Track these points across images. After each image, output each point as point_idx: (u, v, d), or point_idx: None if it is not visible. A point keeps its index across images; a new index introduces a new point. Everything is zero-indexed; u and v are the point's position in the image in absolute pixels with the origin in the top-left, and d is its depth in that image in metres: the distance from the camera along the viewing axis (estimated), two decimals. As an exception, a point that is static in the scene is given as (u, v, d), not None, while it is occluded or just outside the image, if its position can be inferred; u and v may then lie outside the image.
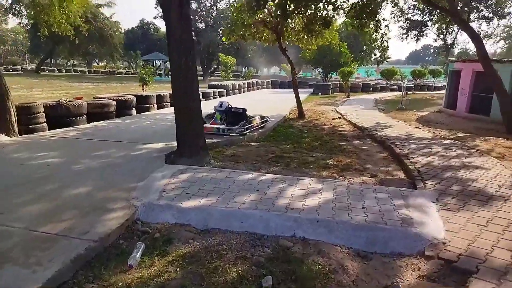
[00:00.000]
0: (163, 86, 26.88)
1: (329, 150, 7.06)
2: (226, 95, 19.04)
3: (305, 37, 10.84)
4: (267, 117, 9.32)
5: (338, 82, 28.73)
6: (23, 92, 18.66)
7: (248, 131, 7.78)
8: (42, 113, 7.65)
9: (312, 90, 25.94)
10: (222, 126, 7.49)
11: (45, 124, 7.69)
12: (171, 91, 14.55)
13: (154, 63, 44.40)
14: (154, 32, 55.39)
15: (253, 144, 7.33)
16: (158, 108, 12.01)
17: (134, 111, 10.73)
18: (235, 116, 8.43)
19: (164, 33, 52.03)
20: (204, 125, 7.27)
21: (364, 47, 37.54)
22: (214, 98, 17.15)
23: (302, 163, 5.87)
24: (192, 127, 5.68)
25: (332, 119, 11.69)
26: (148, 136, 7.30)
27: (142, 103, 11.21)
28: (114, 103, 9.66)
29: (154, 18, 69.40)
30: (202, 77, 45.92)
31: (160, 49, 48.61)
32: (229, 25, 10.88)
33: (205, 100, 15.81)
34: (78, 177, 4.59)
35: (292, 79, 11.71)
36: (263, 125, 8.70)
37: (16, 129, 6.86)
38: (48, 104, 7.88)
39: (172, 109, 6.83)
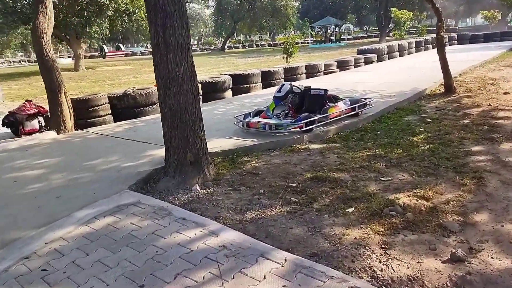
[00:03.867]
0: (312, 56, 24.84)
1: (433, 166, 3.98)
2: (377, 61, 15.58)
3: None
4: (367, 99, 6.39)
5: None
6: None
7: (314, 125, 5.31)
8: (106, 104, 7.22)
9: (514, 43, 18.88)
10: (271, 121, 5.29)
11: (109, 117, 7.25)
12: (315, 62, 12.71)
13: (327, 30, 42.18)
14: (330, -5, 52.58)
15: (311, 148, 4.89)
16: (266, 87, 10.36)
17: (230, 93, 9.44)
18: (312, 102, 6.00)
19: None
20: (249, 120, 5.33)
21: None
22: (357, 67, 14.15)
23: (338, 202, 3.28)
24: (177, 132, 3.91)
25: (504, 93, 7.42)
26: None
27: (242, 83, 9.78)
28: (200, 86, 8.57)
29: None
30: (378, 39, 41.02)
31: (333, 13, 45.87)
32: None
33: (340, 71, 13.14)
34: None
35: (436, 35, 7.93)
36: (355, 112, 5.93)
37: (70, 124, 6.58)
38: (114, 95, 7.40)
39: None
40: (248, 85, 9.85)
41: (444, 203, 3.13)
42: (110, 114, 7.32)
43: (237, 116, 5.80)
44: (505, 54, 15.62)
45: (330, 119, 5.58)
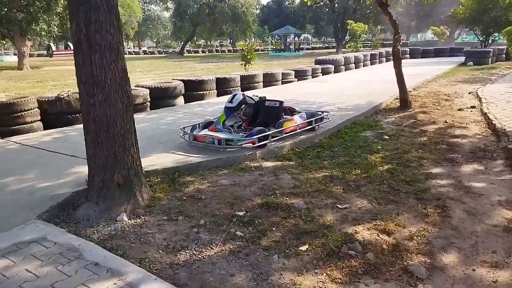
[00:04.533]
0: (271, 64, 24.74)
1: (393, 190, 3.64)
2: (334, 72, 15.58)
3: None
4: (324, 112, 6.05)
5: (504, 47, 21.34)
6: (135, 75, 19.10)
7: (268, 141, 4.85)
8: (35, 109, 6.34)
9: (464, 58, 19.76)
10: (220, 135, 4.75)
11: (37, 123, 6.37)
12: (273, 70, 12.32)
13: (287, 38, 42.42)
14: (290, 4, 53.22)
15: (263, 165, 4.41)
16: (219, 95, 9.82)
17: (181, 99, 8.80)
18: (266, 115, 5.55)
19: (299, 4, 49.42)
20: (196, 133, 4.77)
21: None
22: (314, 77, 14.01)
23: (290, 237, 2.81)
24: (103, 149, 3.26)
25: (458, 109, 7.42)
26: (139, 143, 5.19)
27: (195, 90, 9.17)
28: (147, 91, 7.88)
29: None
30: (335, 50, 41.91)
31: (292, 23, 46.36)
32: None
33: (298, 80, 12.90)
34: None
35: (393, 48, 7.83)
36: (311, 126, 5.54)
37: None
38: (45, 98, 6.54)
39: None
40: (201, 92, 9.26)
41: (408, 239, 2.75)
42: (39, 120, 6.43)
43: (183, 128, 5.22)
44: (455, 69, 16.23)
45: (286, 133, 5.14)
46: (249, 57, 17.38)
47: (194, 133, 4.98)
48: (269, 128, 5.25)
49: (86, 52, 3.11)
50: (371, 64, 19.64)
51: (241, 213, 3.18)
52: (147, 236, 2.85)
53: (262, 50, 45.00)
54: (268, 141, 4.84)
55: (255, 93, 9.07)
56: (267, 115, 5.59)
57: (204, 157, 4.51)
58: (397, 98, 8.82)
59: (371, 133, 5.88)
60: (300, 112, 5.73)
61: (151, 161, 4.35)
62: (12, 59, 37.47)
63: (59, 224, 3.11)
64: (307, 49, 47.13)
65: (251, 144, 4.72)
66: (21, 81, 17.38)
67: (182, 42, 48.55)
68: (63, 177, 3.98)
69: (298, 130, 5.34)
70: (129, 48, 62.29)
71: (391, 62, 22.41)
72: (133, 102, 7.50)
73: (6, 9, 24.32)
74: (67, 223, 3.13)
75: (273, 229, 2.93)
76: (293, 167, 4.38)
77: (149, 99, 7.98)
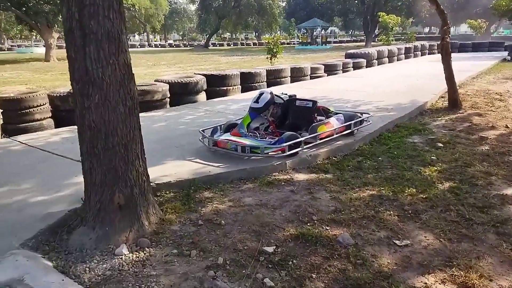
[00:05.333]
0: (297, 58, 23.81)
1: (464, 220, 2.86)
2: (366, 66, 14.58)
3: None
4: (364, 114, 5.24)
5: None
6: (159, 69, 18.68)
7: (300, 148, 4.12)
8: (45, 106, 5.85)
9: (506, 54, 18.25)
10: (244, 141, 4.05)
11: (48, 121, 5.88)
12: (300, 64, 11.50)
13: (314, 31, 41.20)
14: (317, -4, 51.76)
15: (295, 179, 3.70)
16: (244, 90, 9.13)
17: (203, 95, 8.17)
18: (297, 116, 4.82)
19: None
20: (217, 138, 4.13)
21: None
22: (345, 71, 13.09)
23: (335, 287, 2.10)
24: (100, 162, 2.64)
25: (517, 112, 6.46)
26: (152, 147, 4.59)
27: (218, 85, 8.51)
28: (167, 87, 7.28)
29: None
30: (364, 43, 40.37)
31: (319, 15, 45.01)
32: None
33: (327, 75, 12.04)
34: None
35: (441, 40, 6.87)
36: (350, 131, 4.77)
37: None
38: (57, 93, 6.04)
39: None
40: (225, 88, 8.59)
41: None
42: (50, 117, 5.96)
43: (203, 130, 4.57)
44: (498, 65, 14.90)
45: (320, 139, 4.40)
46: (275, 50, 16.60)
47: (214, 137, 4.32)
48: (300, 132, 4.54)
49: (79, 43, 2.47)
50: (405, 58, 18.43)
51: (270, 249, 2.48)
52: (149, 280, 2.21)
53: (288, 44, 43.93)
54: (300, 148, 4.11)
55: (282, 90, 8.37)
56: (298, 116, 4.86)
57: (225, 166, 3.84)
58: (443, 97, 7.92)
59: (419, 139, 5.05)
60: (337, 113, 4.96)
61: (164, 171, 3.71)
62: (42, 50, 38.09)
63: (48, 253, 2.52)
64: (334, 42, 45.75)
65: (280, 152, 4.01)
66: (46, 73, 17.31)
67: (207, 35, 48.09)
68: (63, 189, 3.40)
69: (335, 135, 4.58)
70: (155, 41, 62.57)
71: (428, 56, 21.23)
72: (152, 98, 7.01)
73: (34, 1, 24.47)
74: (58, 252, 2.54)
75: (313, 276, 2.22)
76: (331, 181, 3.65)
77: (168, 95, 7.40)
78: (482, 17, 37.62)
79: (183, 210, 3.05)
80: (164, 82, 7.48)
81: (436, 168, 3.96)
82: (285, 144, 3.91)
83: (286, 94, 5.03)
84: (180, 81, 7.66)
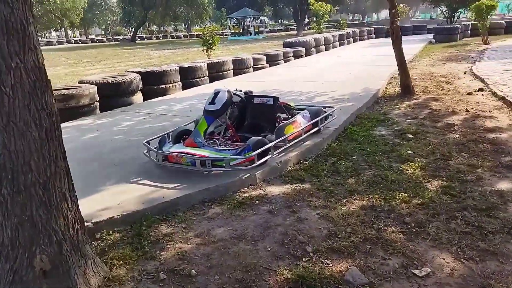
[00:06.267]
0: (232, 49, 23.21)
1: (475, 229, 2.46)
2: (306, 55, 14.37)
3: None
4: (329, 108, 4.79)
5: (469, 23, 21.15)
6: (83, 67, 16.87)
7: (270, 156, 3.51)
8: None
9: (431, 36, 19.25)
10: (204, 153, 3.34)
11: None
12: (241, 56, 10.66)
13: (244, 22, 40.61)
14: (246, -15, 51.13)
15: (269, 193, 3.09)
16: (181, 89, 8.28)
17: (140, 96, 7.19)
18: (257, 115, 4.20)
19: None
20: (167, 151, 3.36)
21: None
22: (286, 61, 12.71)
23: None
24: (8, 214, 1.79)
25: (468, 94, 6.45)
26: (84, 168, 3.66)
27: (155, 83, 7.57)
28: (95, 89, 6.22)
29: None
30: (296, 32, 40.79)
31: (250, 5, 44.55)
32: None
33: (270, 66, 11.55)
34: None
35: (390, 25, 6.67)
36: (317, 128, 4.26)
37: None
38: None
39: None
40: (163, 86, 7.67)
41: None
42: None
43: (147, 142, 3.75)
44: (427, 47, 15.57)
45: (288, 141, 3.82)
46: (211, 42, 15.74)
47: (164, 149, 3.53)
48: (264, 134, 3.94)
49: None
50: (340, 46, 18.65)
51: (266, 308, 1.85)
52: None
53: (220, 35, 42.85)
54: (269, 156, 3.50)
55: (225, 84, 7.72)
56: (258, 116, 4.25)
57: (182, 187, 3.10)
58: (390, 83, 7.82)
59: (386, 131, 4.71)
60: (300, 109, 4.42)
61: (103, 201, 2.89)
62: None
63: None
64: (266, 32, 45.72)
65: (246, 162, 3.36)
66: None
67: (133, 29, 45.31)
68: None
69: (304, 136, 4.04)
70: (75, 37, 57.74)
71: (360, 43, 21.77)
72: (77, 104, 5.92)
73: None
74: None
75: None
76: (312, 193, 3.09)
77: (97, 98, 6.34)
78: (402, 2, 39.82)
79: (135, 258, 2.29)
80: (91, 83, 6.39)
81: (416, 164, 3.59)
82: (254, 153, 3.27)
83: (240, 90, 4.37)
84: (110, 81, 6.62)
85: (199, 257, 2.29)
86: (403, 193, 3.02)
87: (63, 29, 58.91)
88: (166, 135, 3.89)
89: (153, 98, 7.34)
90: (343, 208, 2.82)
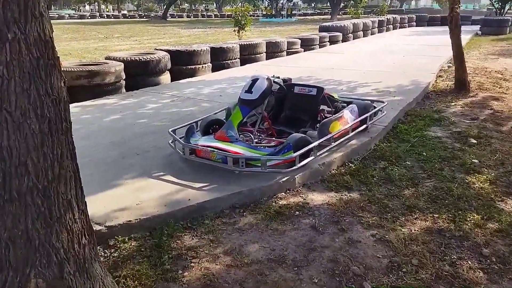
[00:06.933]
0: (264, 31, 22.48)
1: None
2: (343, 41, 13.58)
3: None
4: (378, 103, 4.24)
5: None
6: (112, 42, 16.68)
7: (313, 157, 3.02)
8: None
9: (477, 28, 17.90)
10: (237, 149, 2.89)
11: None
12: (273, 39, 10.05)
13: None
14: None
15: (311, 203, 2.62)
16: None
17: (167, 76, 6.80)
18: (297, 107, 3.71)
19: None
20: (195, 143, 2.95)
21: None
22: (322, 46, 12.02)
23: None
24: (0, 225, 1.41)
25: (532, 94, 5.71)
26: (104, 155, 3.33)
27: (185, 63, 7.13)
28: (121, 66, 5.86)
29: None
30: (330, 16, 39.35)
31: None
32: None
33: (304, 50, 10.91)
34: None
35: (449, 12, 5.90)
36: (365, 126, 3.73)
37: None
38: None
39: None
40: (193, 67, 7.23)
41: None
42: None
43: (173, 131, 3.34)
44: (474, 39, 14.44)
45: (333, 140, 3.32)
46: (243, 22, 15.16)
47: (192, 141, 3.11)
48: (304, 130, 3.46)
49: None
50: (378, 32, 17.62)
51: None
52: None
53: (251, 16, 42.00)
54: (313, 157, 3.02)
55: (258, 69, 7.21)
56: (297, 108, 3.76)
57: (210, 188, 2.68)
58: (440, 76, 7.10)
59: (442, 132, 4.12)
60: (347, 103, 3.88)
61: (121, 199, 2.51)
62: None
63: None
64: (299, 15, 44.38)
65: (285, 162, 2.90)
66: None
67: (165, 6, 44.96)
68: None
69: (351, 134, 3.52)
70: (108, 12, 58.09)
71: (399, 30, 20.57)
72: (102, 81, 5.58)
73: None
74: None
75: None
76: (362, 206, 2.61)
77: (123, 77, 5.98)
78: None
79: (153, 279, 1.90)
80: (117, 60, 6.04)
81: (485, 177, 3.04)
82: (295, 154, 2.79)
83: (278, 77, 3.87)
84: (138, 58, 6.24)
85: (230, 284, 1.87)
86: (474, 214, 2.50)
87: (96, 3, 59.39)
88: (194, 124, 3.46)
89: (181, 79, 6.92)
90: (403, 230, 2.33)
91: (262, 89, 3.18)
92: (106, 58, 6.37)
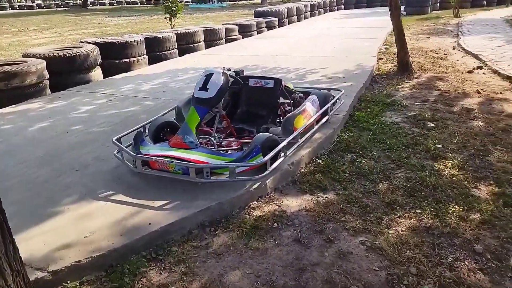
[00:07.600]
0: (196, 17, 21.71)
1: None
2: (279, 26, 13.45)
3: None
4: (335, 91, 4.08)
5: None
6: (29, 36, 14.94)
7: (282, 159, 2.75)
8: None
9: (402, 9, 18.76)
10: (198, 156, 2.53)
11: None
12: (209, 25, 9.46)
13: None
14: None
15: (288, 211, 2.36)
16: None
17: (99, 72, 6.09)
18: (255, 103, 3.41)
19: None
20: (147, 153, 2.52)
21: None
22: (259, 32, 11.77)
23: None
24: None
25: (468, 72, 5.96)
26: (34, 175, 2.76)
27: (117, 57, 6.45)
28: (43, 64, 5.09)
29: None
30: (260, 1, 39.17)
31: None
32: None
33: (243, 37, 10.58)
34: None
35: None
36: (327, 117, 3.54)
37: None
38: None
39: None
40: (127, 60, 6.57)
41: None
42: None
43: (117, 140, 2.87)
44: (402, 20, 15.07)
45: (298, 140, 3.06)
46: (174, 9, 14.39)
47: (142, 151, 2.67)
48: (265, 126, 3.19)
49: None
50: (311, 16, 17.76)
51: None
52: None
53: (180, 2, 40.44)
54: (283, 158, 2.75)
55: (196, 57, 6.81)
56: (255, 102, 3.46)
57: (173, 206, 2.30)
58: (381, 58, 7.20)
59: (398, 117, 4.09)
60: (304, 93, 3.66)
61: (61, 234, 2.04)
62: None
63: None
64: (229, 0, 43.60)
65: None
66: None
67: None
68: None
69: (316, 128, 3.31)
70: (19, 2, 52.36)
71: (330, 14, 20.93)
72: (22, 83, 4.79)
73: None
74: None
75: None
76: (342, 208, 2.41)
77: (47, 76, 5.22)
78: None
79: (120, 337, 1.51)
80: (38, 57, 5.24)
81: (452, 162, 3.01)
82: (266, 158, 2.49)
83: (229, 69, 3.52)
84: (62, 54, 5.48)
85: (217, 331, 1.55)
86: (455, 206, 2.42)
87: (4, -8, 53.21)
88: (141, 129, 3.01)
89: (115, 74, 6.25)
90: (390, 232, 2.16)
91: (218, 86, 2.82)
92: (24, 56, 5.52)
